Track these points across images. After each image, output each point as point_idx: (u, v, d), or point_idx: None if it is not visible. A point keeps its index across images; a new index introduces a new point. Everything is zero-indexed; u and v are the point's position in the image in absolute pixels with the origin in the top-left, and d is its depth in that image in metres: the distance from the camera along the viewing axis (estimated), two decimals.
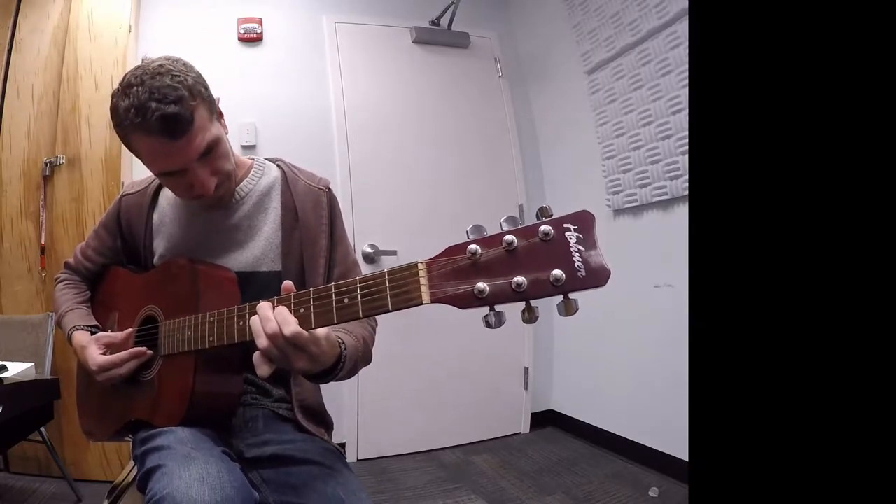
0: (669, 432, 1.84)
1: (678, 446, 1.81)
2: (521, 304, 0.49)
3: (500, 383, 2.41)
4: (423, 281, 0.51)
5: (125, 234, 0.93)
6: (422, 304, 0.51)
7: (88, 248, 0.98)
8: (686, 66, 1.76)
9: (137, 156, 0.76)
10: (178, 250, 0.87)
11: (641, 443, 1.99)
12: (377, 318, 0.91)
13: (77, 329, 0.87)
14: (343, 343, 0.70)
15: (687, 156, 1.77)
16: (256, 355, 0.62)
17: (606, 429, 2.18)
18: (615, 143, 2.09)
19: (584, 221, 0.47)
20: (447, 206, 2.41)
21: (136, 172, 2.03)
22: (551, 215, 0.49)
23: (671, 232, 1.86)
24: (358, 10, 2.47)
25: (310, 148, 2.24)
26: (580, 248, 0.47)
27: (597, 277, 0.46)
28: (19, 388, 1.42)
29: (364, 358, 0.78)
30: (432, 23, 2.53)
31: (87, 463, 1.85)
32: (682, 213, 1.84)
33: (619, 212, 2.11)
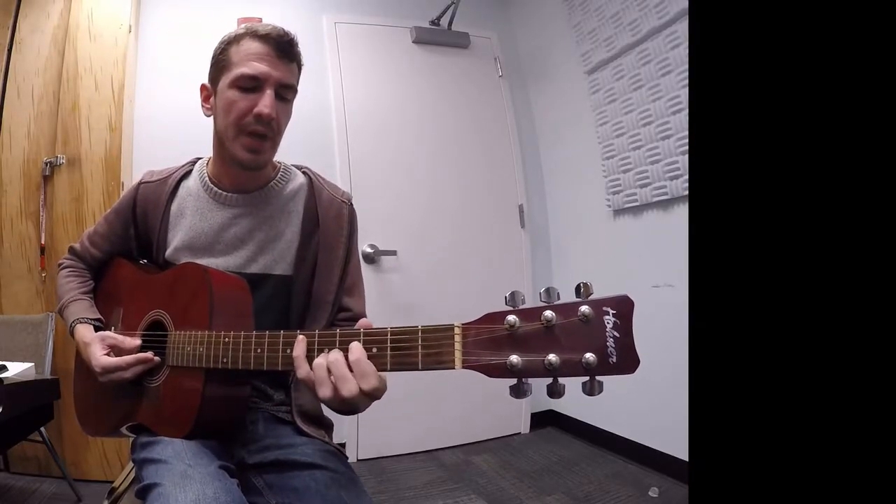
0: (669, 432, 1.83)
1: (678, 446, 1.81)
2: (549, 379, 0.49)
3: (500, 383, 2.40)
4: (458, 346, 0.51)
5: (139, 222, 0.91)
6: (453, 368, 0.51)
7: (96, 235, 0.95)
8: (686, 66, 1.75)
9: (226, 65, 0.80)
10: (195, 243, 0.86)
11: (641, 443, 1.99)
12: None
13: (80, 322, 0.86)
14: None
15: (687, 156, 1.77)
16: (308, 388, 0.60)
17: (606, 429, 2.18)
18: (615, 143, 2.09)
19: (623, 307, 0.48)
20: (447, 206, 2.41)
21: (136, 173, 2.03)
22: (591, 293, 0.49)
23: (671, 232, 1.86)
24: (358, 10, 2.47)
25: (309, 147, 2.23)
26: (615, 333, 0.47)
27: (627, 366, 0.47)
28: (19, 388, 1.42)
29: None
30: (432, 23, 2.53)
31: (87, 463, 1.85)
32: (682, 213, 1.84)
33: (619, 212, 2.11)
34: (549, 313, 0.49)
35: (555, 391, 0.50)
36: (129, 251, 0.95)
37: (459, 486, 1.89)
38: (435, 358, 0.52)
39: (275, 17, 2.35)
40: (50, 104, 1.95)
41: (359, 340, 0.58)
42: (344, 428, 2.13)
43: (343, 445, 2.06)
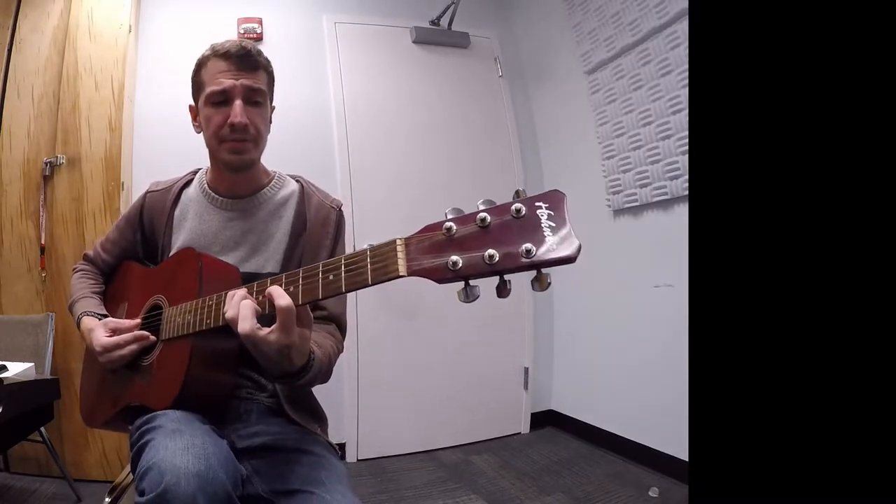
0: (669, 432, 1.84)
1: (678, 446, 1.81)
2: (496, 280, 0.51)
3: (500, 383, 2.41)
4: (401, 255, 0.54)
5: (146, 229, 0.99)
6: (399, 276, 0.53)
7: (108, 242, 1.02)
8: (686, 66, 1.76)
9: (201, 85, 0.88)
10: (195, 243, 0.91)
11: (641, 443, 1.99)
12: (346, 332, 0.95)
13: (86, 314, 0.90)
14: (313, 354, 0.73)
15: (687, 156, 1.77)
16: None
17: (606, 429, 2.18)
18: (615, 143, 2.09)
19: (554, 200, 0.51)
20: (447, 206, 2.39)
21: (136, 173, 2.04)
22: (526, 196, 0.52)
23: (671, 232, 1.86)
24: (358, 10, 2.47)
25: (309, 148, 2.24)
26: (551, 224, 0.49)
27: (566, 251, 0.48)
28: (19, 388, 1.42)
29: (324, 374, 0.80)
30: (432, 23, 2.53)
31: (87, 463, 1.85)
32: (682, 213, 1.84)
33: (619, 212, 2.11)
34: (483, 214, 0.52)
35: (502, 290, 0.51)
36: (137, 255, 1.01)
37: (459, 486, 1.89)
38: (382, 270, 0.55)
39: (275, 18, 2.35)
40: (50, 104, 1.95)
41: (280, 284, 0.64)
42: (344, 428, 2.13)
43: (343, 445, 2.07)
